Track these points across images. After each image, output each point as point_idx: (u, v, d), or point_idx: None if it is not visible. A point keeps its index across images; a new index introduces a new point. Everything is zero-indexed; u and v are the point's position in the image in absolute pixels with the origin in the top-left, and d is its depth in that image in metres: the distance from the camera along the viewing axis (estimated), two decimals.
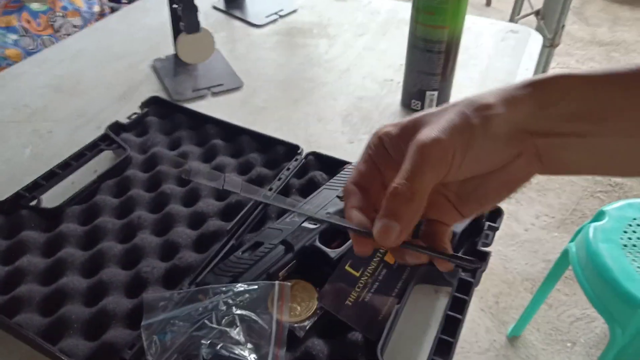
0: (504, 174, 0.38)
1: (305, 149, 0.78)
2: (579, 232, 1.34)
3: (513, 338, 1.72)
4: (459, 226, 0.57)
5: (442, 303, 0.61)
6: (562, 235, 2.05)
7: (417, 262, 0.40)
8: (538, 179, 2.27)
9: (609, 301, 1.16)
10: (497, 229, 0.62)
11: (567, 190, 2.26)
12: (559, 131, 0.35)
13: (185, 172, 0.47)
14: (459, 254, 0.39)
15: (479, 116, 0.36)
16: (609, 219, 1.26)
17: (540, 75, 0.37)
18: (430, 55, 0.84)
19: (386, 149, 0.40)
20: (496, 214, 0.63)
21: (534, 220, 2.12)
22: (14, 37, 1.89)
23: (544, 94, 0.36)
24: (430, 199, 0.38)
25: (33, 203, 0.68)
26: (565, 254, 1.38)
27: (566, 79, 0.35)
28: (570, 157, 0.36)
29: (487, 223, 0.62)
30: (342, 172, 0.70)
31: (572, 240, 1.36)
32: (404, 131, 0.39)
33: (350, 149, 0.85)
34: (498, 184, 0.38)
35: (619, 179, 2.28)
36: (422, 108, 0.90)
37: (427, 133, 0.36)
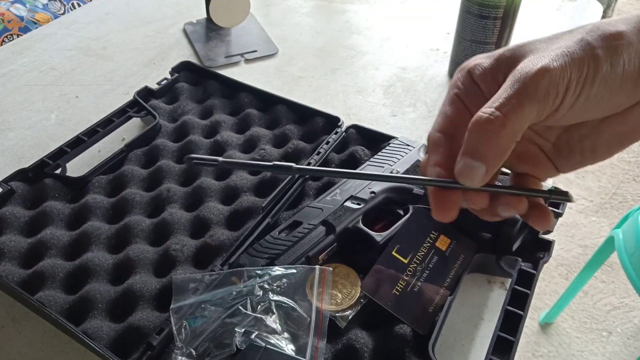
0: (623, 122, 0.30)
1: (345, 121, 0.72)
2: (626, 218, 1.25)
3: (545, 325, 1.65)
4: None
5: (495, 295, 0.56)
6: (601, 220, 1.96)
7: (511, 213, 0.32)
8: None
9: None
10: (560, 215, 0.56)
11: (607, 173, 2.15)
12: None
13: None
14: (552, 188, 0.31)
15: (606, 46, 0.28)
16: None
17: None
18: (486, 22, 0.76)
19: (477, 84, 0.32)
20: (561, 199, 0.57)
21: (571, 204, 2.03)
22: (44, 1, 1.86)
23: None
24: (520, 148, 0.31)
25: (57, 171, 0.64)
26: (609, 240, 1.30)
27: None
28: None
29: (550, 209, 0.56)
30: (387, 148, 0.64)
31: (618, 226, 1.28)
32: (500, 62, 0.31)
33: (393, 122, 0.78)
34: (612, 134, 0.31)
35: None
36: None
37: (534, 61, 0.28)
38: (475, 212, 0.33)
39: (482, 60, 0.32)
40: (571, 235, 1.64)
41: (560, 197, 0.32)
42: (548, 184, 0.55)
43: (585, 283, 1.61)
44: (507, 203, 0.31)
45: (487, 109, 0.28)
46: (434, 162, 0.32)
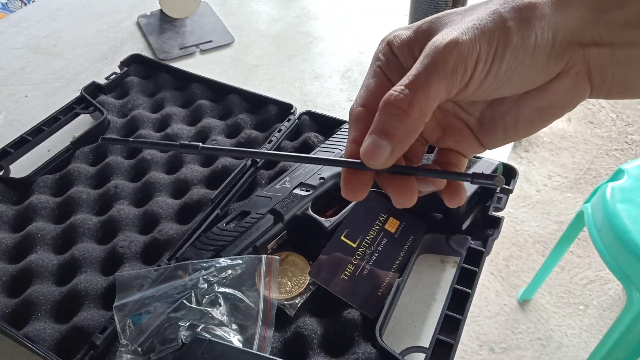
0: (542, 97, 0.29)
1: (301, 108, 0.71)
2: (595, 192, 1.26)
3: (524, 302, 1.67)
4: (468, 190, 0.51)
5: (448, 275, 0.55)
6: (576, 196, 1.98)
7: (430, 190, 0.31)
8: (551, 138, 2.18)
9: (626, 264, 1.10)
10: (510, 191, 0.55)
11: (581, 149, 2.18)
12: (619, 41, 0.27)
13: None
14: (472, 172, 0.29)
15: (518, 18, 0.27)
16: (628, 177, 1.18)
17: None
18: (437, 0, 0.75)
19: (397, 56, 0.31)
20: (510, 175, 0.57)
21: (546, 181, 2.05)
22: (2, 0, 1.81)
23: None
24: (445, 123, 0.31)
25: (0, 173, 0.62)
26: (580, 215, 1.31)
27: None
28: (628, 75, 0.28)
29: (503, 186, 0.55)
30: (338, 133, 0.63)
31: (587, 201, 1.29)
32: (418, 34, 0.30)
33: (349, 107, 0.77)
34: (533, 110, 0.30)
35: (636, 136, 2.19)
36: None
37: (445, 34, 0.27)
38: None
39: (401, 31, 0.31)
40: (547, 212, 1.65)
41: (483, 182, 0.28)
42: (494, 161, 0.55)
43: (560, 258, 1.62)
44: (425, 180, 0.30)
45: (397, 87, 0.27)
46: (351, 138, 0.30)
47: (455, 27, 0.28)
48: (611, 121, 2.30)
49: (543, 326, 1.66)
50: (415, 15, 0.79)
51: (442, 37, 0.27)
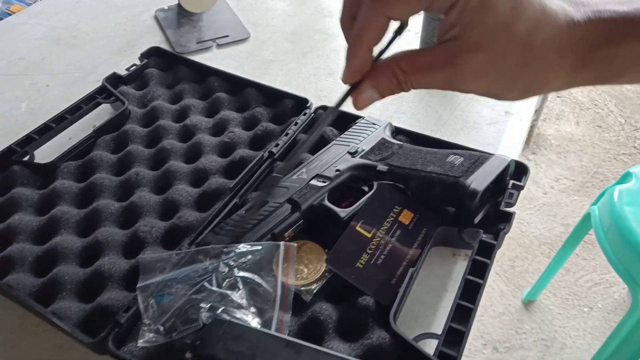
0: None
1: (316, 104, 0.72)
2: (602, 194, 1.27)
3: (528, 302, 1.69)
4: (481, 185, 0.52)
5: (460, 267, 0.57)
6: (582, 199, 1.99)
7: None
8: (559, 141, 2.19)
9: (632, 266, 1.11)
10: (522, 187, 0.57)
11: (589, 153, 2.18)
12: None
13: None
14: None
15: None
16: (637, 180, 1.19)
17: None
18: None
19: None
20: (522, 172, 0.58)
21: (553, 184, 2.05)
22: None
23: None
24: None
25: (25, 158, 0.64)
26: (587, 217, 1.32)
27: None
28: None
29: (512, 181, 0.57)
30: (353, 127, 0.65)
31: (594, 203, 1.30)
32: None
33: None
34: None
35: None
36: None
37: None
38: None
39: None
40: (553, 215, 1.65)
41: None
42: (507, 157, 0.56)
43: (566, 260, 1.63)
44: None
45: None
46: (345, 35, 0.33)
47: None
48: (619, 125, 2.30)
49: (547, 327, 1.67)
50: (428, 17, 0.81)
51: None
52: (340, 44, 0.92)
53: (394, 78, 0.31)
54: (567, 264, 1.73)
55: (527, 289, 1.69)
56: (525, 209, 1.96)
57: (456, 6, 0.27)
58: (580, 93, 2.42)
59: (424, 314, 0.52)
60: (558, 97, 2.41)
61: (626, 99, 2.39)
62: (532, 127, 2.12)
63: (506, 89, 0.29)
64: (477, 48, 0.28)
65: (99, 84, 0.77)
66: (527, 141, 2.12)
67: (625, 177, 1.24)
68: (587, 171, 2.12)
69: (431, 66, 0.30)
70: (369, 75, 0.32)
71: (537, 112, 2.07)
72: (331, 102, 0.79)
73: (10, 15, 1.77)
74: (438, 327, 0.51)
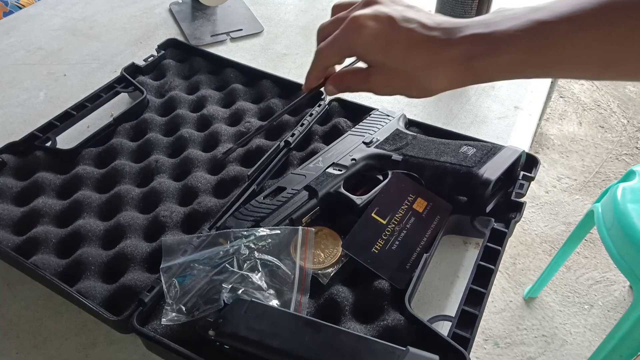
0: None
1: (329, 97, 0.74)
2: (605, 192, 1.29)
3: (529, 299, 1.70)
4: (493, 174, 0.54)
5: (470, 255, 0.58)
6: (584, 198, 2.01)
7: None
8: (561, 140, 2.21)
9: (635, 262, 1.13)
10: (532, 178, 0.58)
11: (591, 153, 2.20)
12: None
13: None
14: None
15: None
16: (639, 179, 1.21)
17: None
18: None
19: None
20: (532, 164, 0.60)
21: (555, 183, 2.07)
22: None
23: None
24: None
25: (48, 144, 0.65)
26: (589, 214, 1.34)
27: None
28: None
29: (522, 172, 0.59)
30: (368, 118, 0.67)
31: (598, 201, 1.32)
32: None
33: (375, 97, 0.80)
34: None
35: None
36: None
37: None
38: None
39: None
40: (555, 213, 1.68)
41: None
42: (519, 148, 0.57)
43: (567, 257, 1.64)
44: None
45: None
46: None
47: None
48: (622, 126, 2.32)
49: (548, 324, 1.68)
50: (441, 10, 0.82)
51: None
52: None
53: (342, 84, 0.48)
54: (568, 261, 1.75)
55: (528, 286, 1.71)
56: (528, 207, 1.97)
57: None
58: (584, 94, 2.44)
59: (437, 298, 0.54)
60: (561, 97, 2.43)
61: (629, 100, 2.41)
62: (535, 127, 2.14)
63: (405, 92, 0.44)
64: (379, 72, 0.44)
65: (115, 74, 0.79)
66: (531, 142, 2.14)
67: (628, 175, 1.26)
68: (589, 171, 2.13)
69: (360, 81, 0.46)
70: (330, 79, 0.49)
71: (541, 112, 2.09)
72: (343, 95, 0.80)
73: (21, 8, 1.78)
74: (450, 311, 0.53)
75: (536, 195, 2.02)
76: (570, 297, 1.72)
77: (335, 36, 0.44)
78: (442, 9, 0.82)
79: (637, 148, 2.20)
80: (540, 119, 2.27)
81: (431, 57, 0.40)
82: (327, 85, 0.49)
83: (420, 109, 0.78)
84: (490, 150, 0.57)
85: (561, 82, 2.46)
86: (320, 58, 0.47)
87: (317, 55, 0.47)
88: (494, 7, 0.82)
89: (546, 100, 2.21)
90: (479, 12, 0.80)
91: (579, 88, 2.46)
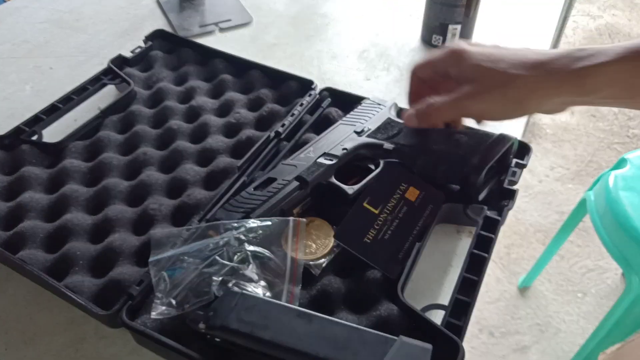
0: None
1: (319, 86, 0.73)
2: (598, 180, 1.29)
3: (523, 289, 1.71)
4: (485, 162, 0.53)
5: (463, 243, 0.58)
6: (577, 187, 2.01)
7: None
8: (554, 130, 2.21)
9: (627, 249, 1.13)
10: (524, 166, 0.58)
11: (584, 142, 2.20)
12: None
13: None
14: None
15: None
16: (631, 166, 1.21)
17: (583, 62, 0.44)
18: None
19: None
20: (524, 151, 0.59)
21: (548, 172, 2.08)
22: None
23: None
24: None
25: (34, 138, 0.64)
26: (582, 203, 1.34)
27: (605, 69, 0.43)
28: None
29: (515, 160, 0.58)
30: (359, 107, 0.66)
31: (590, 189, 1.32)
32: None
33: (367, 85, 0.80)
34: None
35: (637, 130, 2.22)
36: (444, 43, 0.85)
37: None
38: None
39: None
40: (548, 203, 1.68)
41: None
42: (512, 136, 0.57)
43: (561, 246, 1.64)
44: None
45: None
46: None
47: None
48: (613, 115, 2.32)
49: (542, 312, 1.69)
50: (430, 10, 0.82)
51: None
52: (342, 28, 0.93)
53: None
54: (561, 250, 1.75)
55: (522, 275, 1.71)
56: (521, 197, 1.98)
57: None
58: None
59: (429, 287, 0.54)
60: None
61: None
62: (527, 117, 2.14)
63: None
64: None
65: (102, 67, 0.77)
66: (523, 130, 2.14)
67: (620, 163, 1.26)
68: (582, 160, 2.14)
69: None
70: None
71: None
72: (335, 85, 0.80)
73: (5, 1, 1.75)
74: (443, 300, 0.52)
75: (529, 184, 2.02)
76: (564, 285, 1.73)
77: (457, 101, 0.50)
78: (430, 9, 0.81)
79: (628, 136, 2.21)
80: None
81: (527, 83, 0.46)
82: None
83: None
84: (482, 138, 0.56)
85: None
86: (438, 115, 0.53)
87: (435, 112, 0.52)
88: (481, 8, 0.81)
89: None
90: (469, 2, 0.79)
91: None
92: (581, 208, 1.36)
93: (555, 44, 1.84)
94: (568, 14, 1.97)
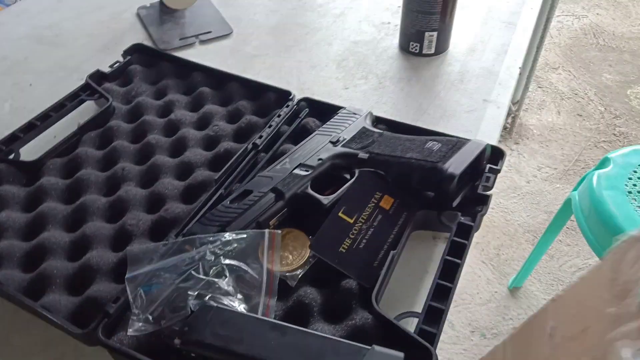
0: None
1: (298, 96, 0.74)
2: (582, 180, 1.30)
3: (514, 289, 1.72)
4: (458, 169, 0.54)
5: (440, 249, 0.59)
6: (565, 187, 2.02)
7: None
8: (540, 130, 2.23)
9: None
10: (498, 171, 0.59)
11: (570, 141, 2.22)
12: None
13: None
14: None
15: None
16: (614, 165, 1.22)
17: None
18: None
19: None
20: (498, 156, 0.60)
21: (535, 172, 2.09)
22: None
23: None
24: None
25: (11, 157, 0.64)
26: (567, 202, 1.35)
27: None
28: None
29: (489, 165, 0.59)
30: (335, 117, 0.67)
31: (575, 189, 1.33)
32: None
33: (346, 94, 0.81)
34: None
35: (623, 129, 2.24)
36: (421, 50, 0.86)
37: None
38: None
39: None
40: (536, 203, 1.69)
41: None
42: (483, 142, 0.58)
43: (549, 246, 1.65)
44: None
45: None
46: None
47: None
48: (599, 114, 2.34)
49: (533, 312, 1.70)
50: (408, 6, 0.82)
51: None
52: (321, 38, 0.93)
53: None
54: (551, 250, 1.76)
55: (512, 276, 1.72)
56: (509, 197, 1.99)
57: None
58: (561, 83, 2.45)
59: (406, 294, 0.54)
60: (539, 87, 2.45)
61: (605, 87, 2.44)
62: (514, 118, 2.15)
63: None
64: None
65: (82, 82, 0.78)
66: (510, 131, 2.16)
67: (603, 162, 1.27)
68: (569, 159, 2.16)
69: None
70: None
71: (519, 102, 2.11)
72: (314, 94, 0.80)
73: None
74: (419, 307, 0.53)
75: (517, 185, 2.04)
76: (554, 285, 1.73)
77: None
78: (409, 4, 0.82)
79: (614, 135, 2.23)
80: (513, 114, 2.26)
81: None
82: None
83: (390, 106, 0.78)
84: (455, 144, 0.57)
85: (539, 72, 2.48)
86: None
87: None
88: (459, 2, 0.82)
89: (524, 90, 2.21)
90: (444, 6, 0.80)
91: (556, 77, 2.48)
92: (566, 208, 1.37)
93: (539, 44, 1.85)
94: (551, 15, 1.99)
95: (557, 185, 2.04)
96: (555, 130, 2.24)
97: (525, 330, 0.43)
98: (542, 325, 0.42)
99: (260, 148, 0.65)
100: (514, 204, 1.97)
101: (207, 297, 0.48)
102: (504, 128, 2.17)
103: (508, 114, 2.15)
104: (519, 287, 1.71)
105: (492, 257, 1.80)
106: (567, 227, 1.78)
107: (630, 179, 1.20)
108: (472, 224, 0.54)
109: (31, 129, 0.67)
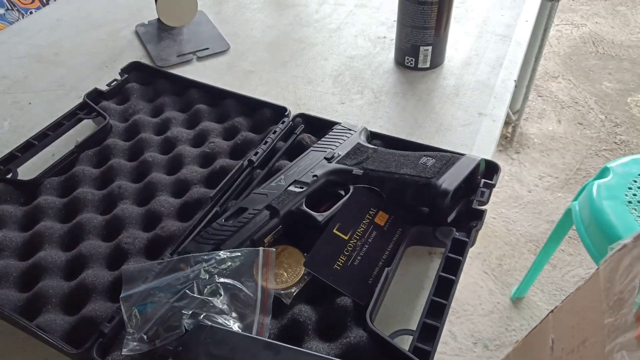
0: None
1: (295, 112, 0.74)
2: (582, 190, 1.30)
3: (517, 300, 1.71)
4: (451, 184, 0.54)
5: (435, 265, 0.59)
6: (566, 196, 2.02)
7: None
8: (541, 139, 2.23)
9: None
10: (493, 186, 0.59)
11: (571, 150, 2.22)
12: None
13: None
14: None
15: None
16: (614, 175, 1.22)
17: None
18: (423, 7, 0.79)
19: None
20: (493, 170, 0.60)
21: (537, 181, 2.09)
22: (1, 11, 1.85)
23: None
24: None
25: (9, 176, 0.65)
26: (568, 213, 1.35)
27: None
28: None
29: (483, 180, 0.59)
30: (330, 133, 0.67)
31: (575, 199, 1.33)
32: None
33: (342, 109, 0.81)
34: None
35: (624, 137, 2.24)
36: (416, 65, 0.86)
37: None
38: None
39: None
40: (538, 212, 1.69)
41: None
42: (477, 157, 0.58)
43: (551, 256, 1.65)
44: None
45: None
46: None
47: None
48: (600, 122, 2.34)
49: (536, 323, 1.69)
50: (402, 21, 0.83)
51: None
52: (317, 53, 0.94)
53: None
54: (553, 260, 1.75)
55: (515, 286, 1.71)
56: (511, 207, 1.99)
57: None
58: (561, 92, 2.46)
59: (402, 311, 0.54)
60: (540, 96, 2.45)
61: (606, 95, 2.44)
62: (514, 127, 2.16)
63: None
64: None
65: (81, 100, 0.78)
66: (511, 141, 2.16)
67: (603, 172, 1.27)
68: (570, 168, 2.15)
69: None
70: None
71: (519, 111, 2.11)
72: (310, 109, 0.81)
73: None
74: (415, 324, 0.52)
75: (519, 195, 2.03)
76: (557, 295, 1.72)
77: None
78: (403, 19, 0.83)
79: (615, 143, 2.23)
80: (518, 119, 2.26)
81: None
82: None
83: (385, 120, 0.78)
84: (449, 160, 0.57)
85: (538, 81, 2.49)
86: None
87: None
88: (453, 15, 0.83)
89: (524, 100, 2.21)
90: (438, 21, 0.81)
91: (556, 86, 2.49)
92: (567, 218, 1.37)
93: (538, 54, 1.86)
94: (549, 25, 1.99)
95: (559, 194, 2.03)
96: (556, 139, 2.24)
97: (527, 344, 0.43)
98: (544, 338, 0.42)
99: (255, 165, 0.65)
100: (515, 213, 1.96)
101: (201, 316, 0.48)
102: (505, 137, 2.17)
103: (508, 124, 2.16)
104: (521, 297, 1.70)
105: (494, 268, 1.80)
106: (569, 237, 1.78)
107: (630, 188, 1.20)
108: (467, 239, 0.54)
109: (29, 148, 0.68)
